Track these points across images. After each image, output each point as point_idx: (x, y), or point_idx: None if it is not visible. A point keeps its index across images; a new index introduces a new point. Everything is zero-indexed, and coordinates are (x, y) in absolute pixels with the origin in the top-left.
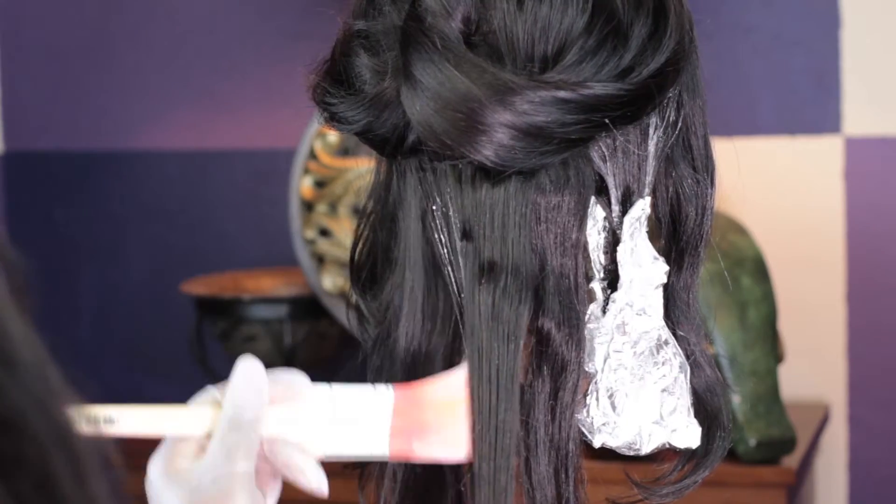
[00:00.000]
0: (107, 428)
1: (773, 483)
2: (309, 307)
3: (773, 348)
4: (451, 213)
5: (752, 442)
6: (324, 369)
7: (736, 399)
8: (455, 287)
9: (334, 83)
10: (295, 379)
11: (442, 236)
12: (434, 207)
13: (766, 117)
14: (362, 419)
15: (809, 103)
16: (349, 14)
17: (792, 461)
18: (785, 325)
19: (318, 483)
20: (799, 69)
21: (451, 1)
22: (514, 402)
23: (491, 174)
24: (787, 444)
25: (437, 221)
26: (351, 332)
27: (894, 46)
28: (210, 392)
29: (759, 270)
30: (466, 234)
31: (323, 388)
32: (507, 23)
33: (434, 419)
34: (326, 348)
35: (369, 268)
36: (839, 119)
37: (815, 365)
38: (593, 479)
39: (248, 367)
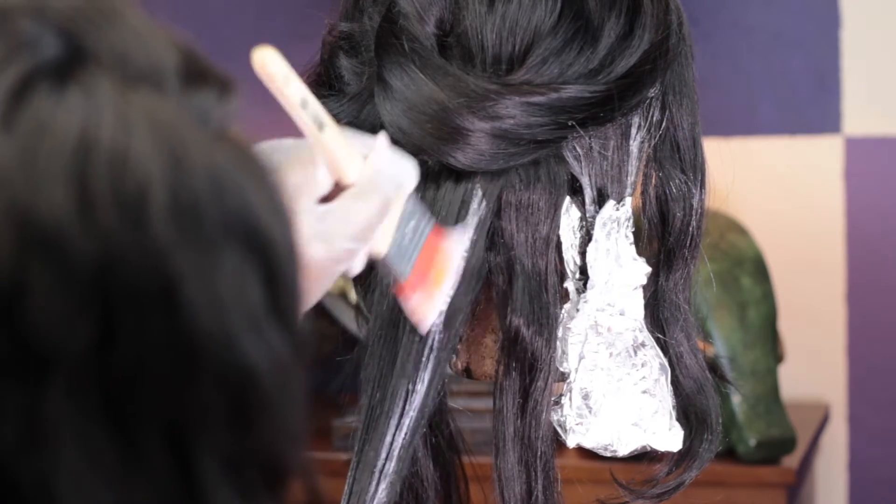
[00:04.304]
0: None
1: (773, 483)
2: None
3: (773, 348)
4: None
5: (752, 442)
6: (323, 369)
7: (736, 399)
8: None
9: (318, 84)
10: (407, 176)
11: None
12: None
13: (766, 117)
14: (410, 240)
15: (809, 103)
16: (338, 15)
17: (792, 461)
18: (785, 325)
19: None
20: (799, 69)
21: (424, 3)
22: (425, 388)
23: (457, 172)
24: (787, 444)
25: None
26: (352, 332)
27: (894, 46)
28: (361, 142)
29: (759, 270)
30: None
31: (411, 193)
32: (478, 23)
33: (432, 277)
34: (326, 348)
35: (370, 267)
36: (839, 119)
37: (815, 365)
38: (583, 479)
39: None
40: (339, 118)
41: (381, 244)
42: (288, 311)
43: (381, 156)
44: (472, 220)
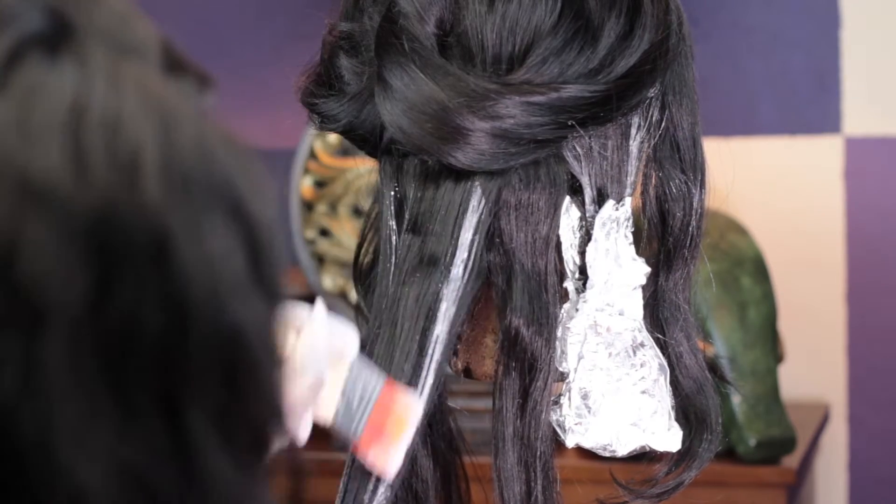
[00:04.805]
0: None
1: (773, 483)
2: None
3: (773, 348)
4: (405, 204)
5: (752, 442)
6: None
7: (736, 399)
8: (389, 279)
9: (318, 84)
10: (347, 345)
11: (399, 230)
12: (392, 194)
13: (766, 117)
14: (359, 402)
15: (809, 103)
16: (338, 15)
17: (792, 461)
18: (785, 325)
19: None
20: (799, 69)
21: (424, 3)
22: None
23: (457, 172)
24: (787, 444)
25: (392, 210)
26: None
27: (894, 46)
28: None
29: (759, 270)
30: (414, 228)
31: (354, 358)
32: (478, 23)
33: (390, 430)
34: None
35: (370, 267)
36: (839, 119)
37: (815, 365)
38: (583, 479)
39: (324, 326)
40: (338, 118)
41: (325, 411)
42: (272, 286)
43: (314, 330)
44: (472, 218)
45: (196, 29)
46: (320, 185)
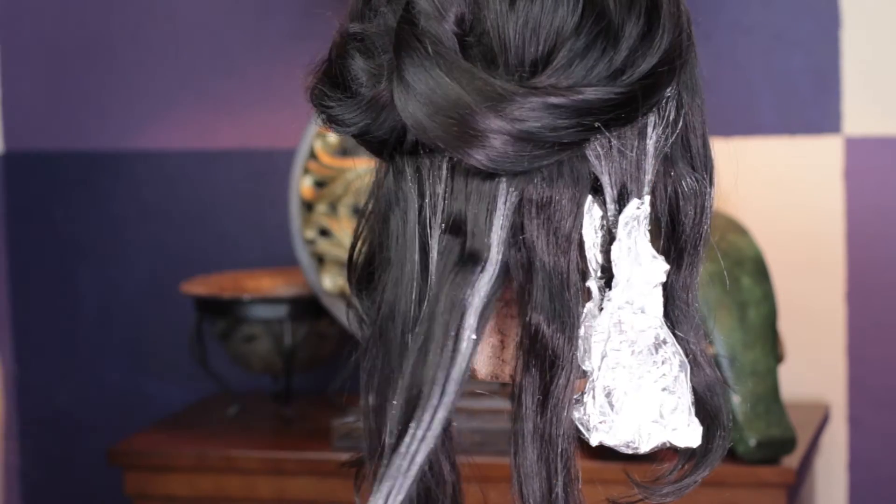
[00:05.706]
0: None
1: (773, 483)
2: (309, 307)
3: (773, 348)
4: (439, 206)
5: (752, 442)
6: (323, 369)
7: (736, 399)
8: (413, 280)
9: (331, 85)
10: None
11: (430, 230)
12: (426, 200)
13: (766, 117)
14: None
15: (809, 103)
16: (346, 15)
17: (792, 461)
18: (785, 325)
19: None
20: (799, 69)
21: (444, 2)
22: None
23: (483, 172)
24: (787, 444)
25: (426, 213)
26: (351, 332)
27: (894, 46)
28: None
29: (759, 270)
30: (453, 228)
31: None
32: (500, 23)
33: None
34: (326, 348)
35: (366, 267)
36: (839, 119)
37: (815, 365)
38: (592, 478)
39: None
40: (354, 122)
41: None
42: None
43: None
44: (501, 216)
45: (196, 29)
46: (320, 185)
